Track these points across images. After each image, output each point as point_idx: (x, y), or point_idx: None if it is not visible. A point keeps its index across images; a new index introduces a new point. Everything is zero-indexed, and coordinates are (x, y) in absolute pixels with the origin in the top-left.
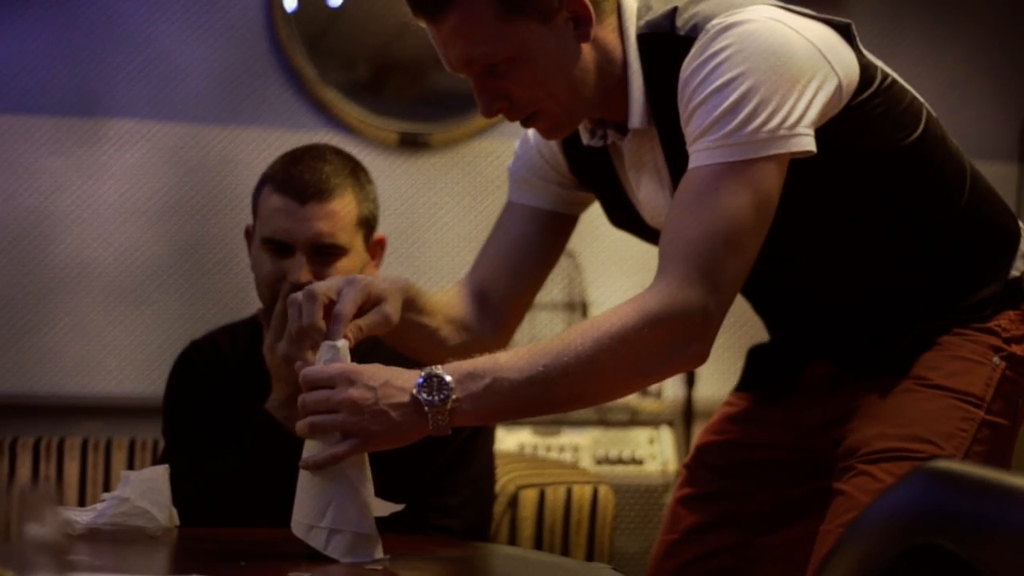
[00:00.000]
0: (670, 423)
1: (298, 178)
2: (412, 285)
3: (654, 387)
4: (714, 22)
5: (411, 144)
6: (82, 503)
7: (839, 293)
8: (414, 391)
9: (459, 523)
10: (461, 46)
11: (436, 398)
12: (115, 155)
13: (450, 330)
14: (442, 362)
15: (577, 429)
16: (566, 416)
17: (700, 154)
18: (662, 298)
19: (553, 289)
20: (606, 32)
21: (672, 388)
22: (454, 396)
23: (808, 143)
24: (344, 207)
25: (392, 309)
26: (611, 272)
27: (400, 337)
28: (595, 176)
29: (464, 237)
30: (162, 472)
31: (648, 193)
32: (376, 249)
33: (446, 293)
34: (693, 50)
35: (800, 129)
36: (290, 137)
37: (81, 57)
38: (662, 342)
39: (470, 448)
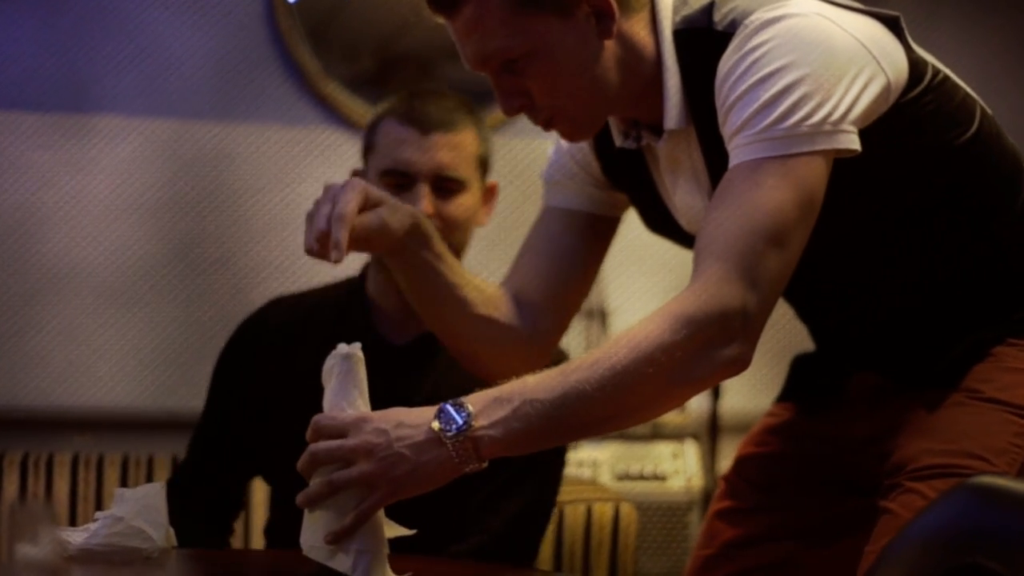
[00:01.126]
0: (695, 437)
1: (421, 109)
2: (425, 219)
3: None
4: (753, 17)
5: None
6: (73, 523)
7: (887, 299)
8: (431, 425)
9: (501, 548)
10: (476, 41)
11: (454, 427)
12: (105, 149)
13: (477, 297)
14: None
15: (596, 443)
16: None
17: (739, 149)
18: (697, 299)
19: None
20: (636, 28)
21: (697, 400)
22: (475, 423)
23: (853, 141)
24: (467, 140)
25: (391, 218)
26: (631, 276)
27: (413, 280)
28: (629, 179)
29: (476, 239)
30: (158, 490)
31: (685, 197)
32: (489, 195)
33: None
34: (731, 46)
35: (844, 126)
36: (290, 132)
37: (69, 46)
38: (701, 346)
39: (527, 471)
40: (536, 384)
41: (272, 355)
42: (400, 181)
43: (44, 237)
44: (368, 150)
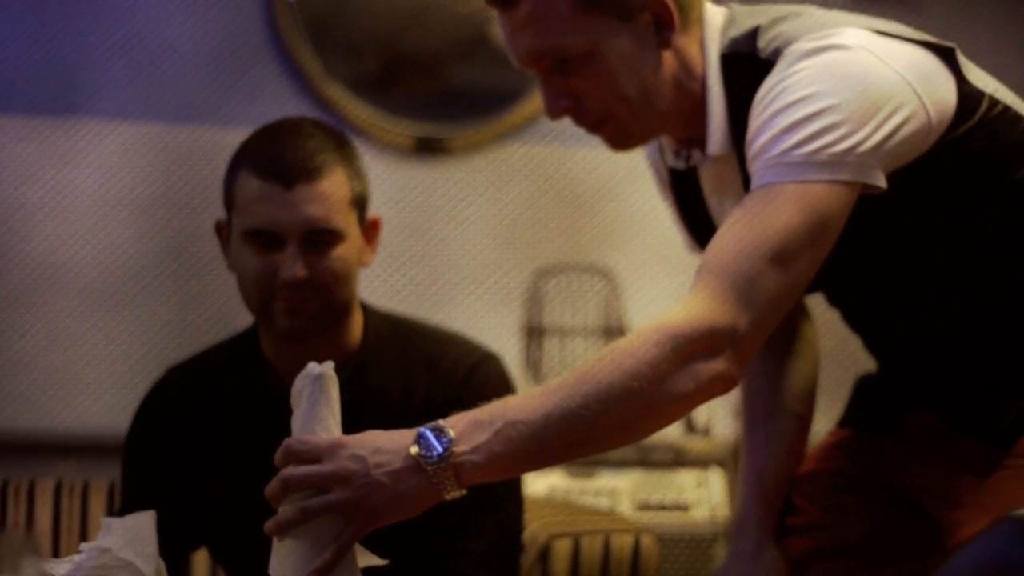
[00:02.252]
0: (720, 464)
1: (280, 158)
2: None
3: (702, 423)
4: (795, 47)
5: (428, 148)
6: (56, 555)
7: (942, 333)
8: (409, 450)
9: (486, 573)
10: (532, 36)
11: (434, 453)
12: (93, 142)
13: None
14: None
15: (615, 470)
16: (603, 456)
17: (757, 174)
18: (686, 314)
19: (587, 312)
20: (689, 43)
21: (722, 424)
22: (456, 448)
23: (879, 178)
24: (336, 186)
25: None
26: (653, 293)
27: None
28: (683, 197)
29: (488, 258)
30: (149, 519)
31: None
32: (371, 232)
33: None
34: (771, 73)
35: (871, 160)
36: None
37: (54, 33)
38: (685, 361)
39: (494, 488)
40: (518, 405)
41: (185, 419)
42: (267, 241)
43: (27, 236)
44: (228, 205)
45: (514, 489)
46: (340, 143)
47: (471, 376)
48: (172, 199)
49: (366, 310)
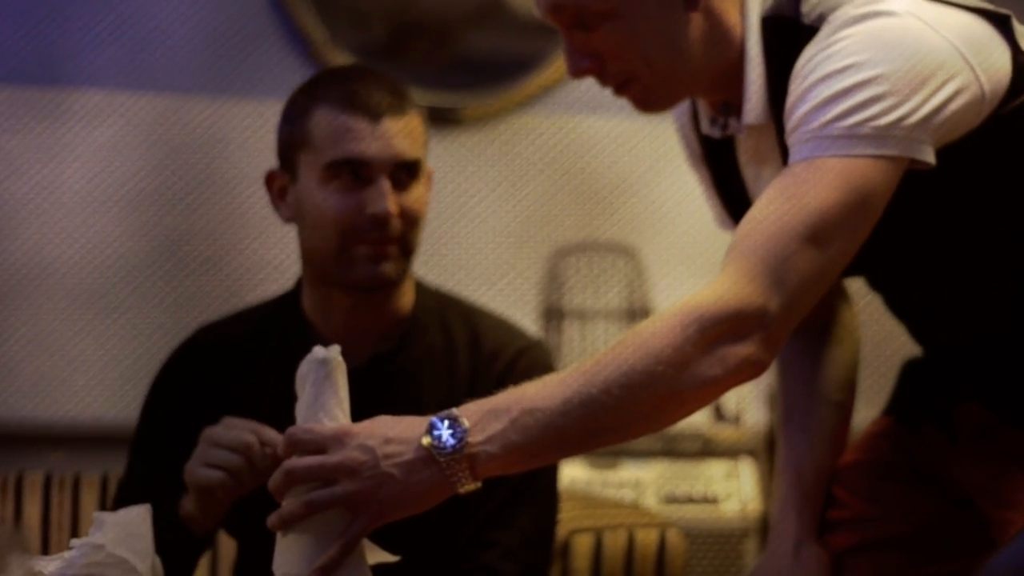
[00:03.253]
0: (751, 454)
1: (364, 93)
2: None
3: (731, 410)
4: (840, 12)
5: (438, 119)
6: (45, 551)
7: (990, 318)
8: (421, 441)
9: (515, 567)
10: None
11: (447, 443)
12: (81, 133)
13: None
14: None
15: (639, 461)
16: (626, 445)
17: (795, 148)
18: (714, 295)
19: (609, 293)
20: (726, 6)
21: (754, 412)
22: (470, 438)
23: (927, 153)
24: (417, 123)
25: None
26: (679, 273)
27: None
28: (717, 166)
29: (501, 231)
30: (144, 513)
31: None
32: (429, 182)
33: None
34: (814, 40)
35: (918, 134)
36: None
37: (39, 18)
38: (712, 344)
39: (529, 478)
40: (535, 392)
41: (212, 386)
42: (353, 174)
43: (11, 233)
44: (296, 145)
45: (550, 479)
46: (405, 89)
47: (515, 362)
48: (166, 194)
49: (415, 281)
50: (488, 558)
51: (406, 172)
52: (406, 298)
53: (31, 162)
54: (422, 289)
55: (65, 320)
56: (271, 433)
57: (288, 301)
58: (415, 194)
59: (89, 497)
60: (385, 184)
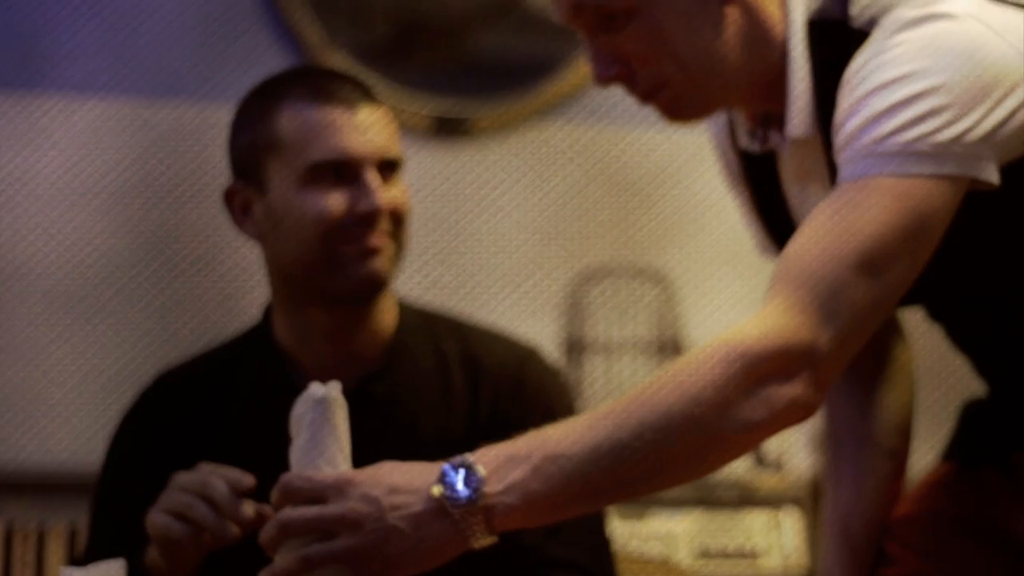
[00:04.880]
0: (795, 503)
1: (334, 85)
2: None
3: (773, 455)
4: (893, 15)
5: (449, 129)
6: None
7: None
8: (431, 491)
9: (583, 552)
10: None
11: (461, 494)
12: (58, 120)
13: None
14: None
15: (671, 511)
16: (657, 495)
17: (845, 166)
18: (758, 330)
19: (638, 324)
20: (766, 2)
21: (798, 457)
22: (487, 488)
23: (989, 171)
24: (389, 114)
25: None
26: (717, 302)
27: None
28: (757, 188)
29: (516, 255)
30: (118, 569)
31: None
32: None
33: None
34: (866, 46)
35: (980, 150)
36: None
37: None
38: (756, 384)
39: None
40: (559, 436)
41: (180, 431)
42: (337, 173)
43: None
44: (262, 151)
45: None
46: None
47: (522, 371)
48: (151, 186)
49: (397, 298)
50: (550, 549)
51: (389, 164)
52: (389, 316)
53: (2, 151)
54: (405, 306)
55: (39, 326)
56: (246, 479)
57: (258, 333)
58: (400, 187)
59: (55, 550)
60: (373, 179)
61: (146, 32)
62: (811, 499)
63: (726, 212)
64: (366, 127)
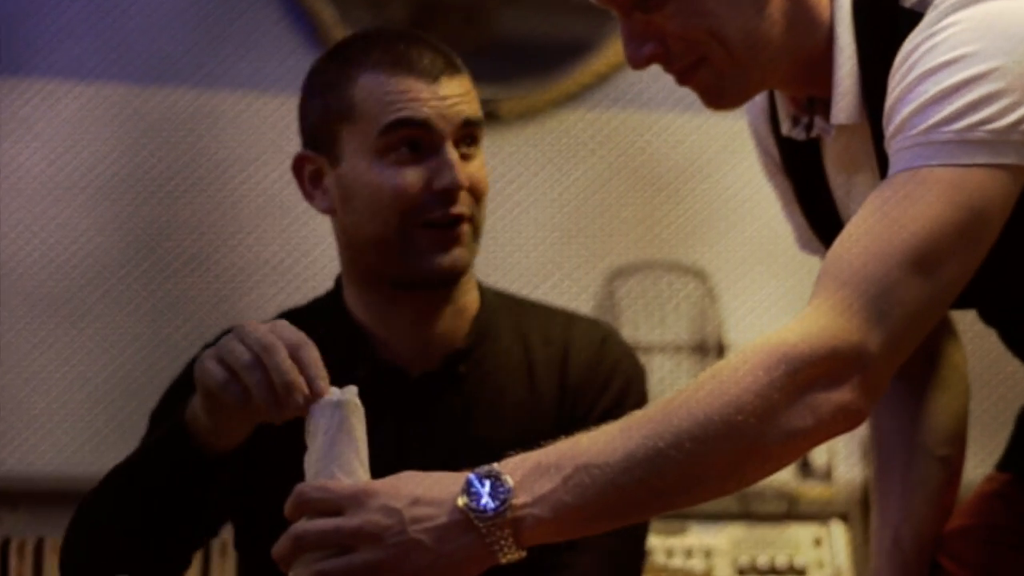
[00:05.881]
0: (843, 516)
1: (415, 54)
2: None
3: (820, 465)
4: None
5: None
6: None
7: None
8: (456, 502)
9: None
10: None
11: (488, 505)
12: (41, 107)
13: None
14: None
15: (711, 525)
16: (696, 507)
17: (896, 155)
18: (804, 331)
19: (677, 325)
20: None
21: (846, 467)
22: (515, 500)
23: None
24: (469, 83)
25: None
26: (749, 302)
27: None
28: (802, 174)
29: (545, 250)
30: None
31: (859, 207)
32: None
33: None
34: (918, 28)
35: None
36: (293, 96)
37: None
38: (802, 390)
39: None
40: (591, 444)
41: None
42: (413, 146)
43: None
44: (337, 119)
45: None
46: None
47: (603, 350)
48: (143, 180)
49: (473, 278)
50: (567, 557)
51: (469, 138)
52: (471, 295)
53: None
54: (484, 287)
55: (21, 331)
56: (313, 359)
57: (330, 307)
58: (479, 162)
59: (54, 564)
60: (452, 152)
61: (136, 13)
62: (860, 511)
63: (761, 205)
64: (445, 96)
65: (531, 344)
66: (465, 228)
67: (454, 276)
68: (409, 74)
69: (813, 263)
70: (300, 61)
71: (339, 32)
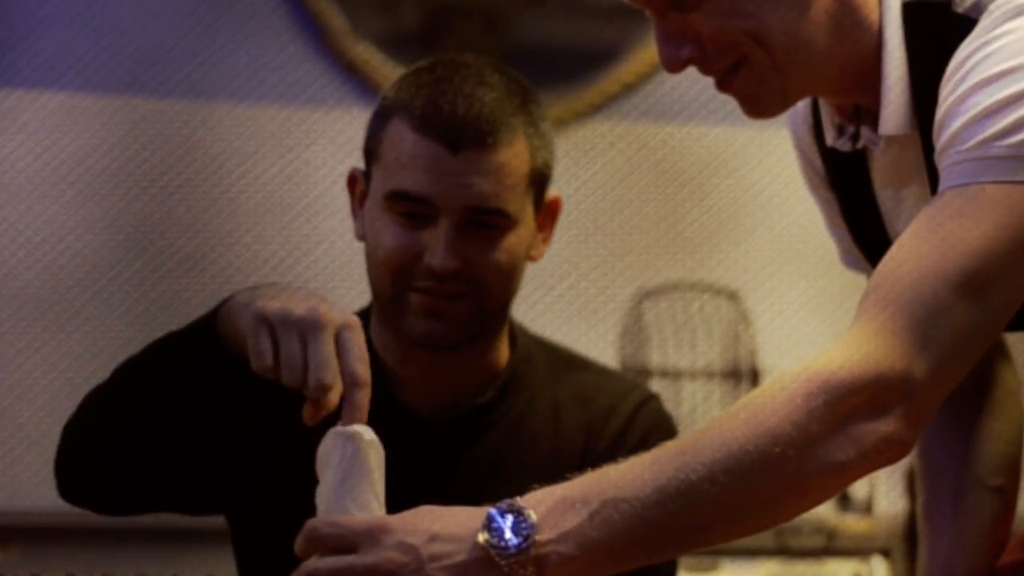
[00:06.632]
0: (885, 552)
1: (447, 112)
2: None
3: (860, 497)
4: (1001, 0)
5: None
6: None
7: None
8: (477, 538)
9: None
10: None
11: (510, 542)
12: (26, 100)
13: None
14: None
15: (744, 562)
16: (729, 543)
17: (947, 170)
18: (846, 357)
19: (710, 348)
20: None
21: (889, 499)
22: (539, 536)
23: None
24: (515, 157)
25: None
26: (774, 308)
27: None
28: (844, 193)
29: (570, 268)
30: None
31: (910, 223)
32: (548, 216)
33: None
34: (971, 35)
35: None
36: (293, 86)
37: None
38: (843, 420)
39: None
40: (620, 477)
41: (255, 411)
42: (413, 212)
43: None
44: (371, 154)
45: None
46: (526, 99)
47: (636, 415)
48: (134, 175)
49: (513, 325)
50: None
51: (486, 218)
52: (499, 351)
53: None
54: (522, 335)
55: (6, 335)
56: (356, 337)
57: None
58: (501, 244)
59: None
60: (447, 231)
61: (126, 2)
62: (903, 546)
63: (787, 207)
64: (461, 171)
65: (561, 403)
66: (455, 306)
67: (436, 346)
68: (429, 135)
69: (842, 270)
70: (300, 50)
71: (349, 41)
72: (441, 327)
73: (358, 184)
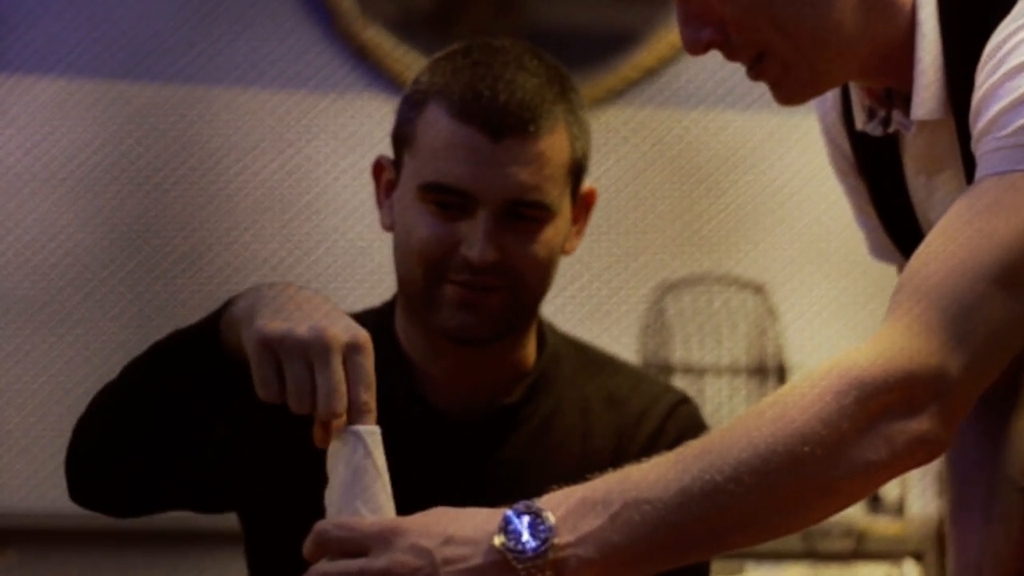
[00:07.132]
0: (917, 556)
1: (488, 98)
2: None
3: (891, 499)
4: None
5: None
6: None
7: None
8: (493, 541)
9: None
10: None
11: (527, 545)
12: (15, 91)
13: None
14: None
15: (771, 566)
16: (754, 546)
17: (984, 157)
18: (878, 353)
19: (735, 344)
20: None
21: (920, 500)
22: (557, 539)
23: None
24: (556, 147)
25: None
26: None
27: None
28: (874, 180)
29: (589, 261)
30: None
31: (942, 212)
32: (583, 208)
33: None
34: (1009, 16)
35: None
36: (294, 78)
37: None
38: (875, 418)
39: None
40: (642, 478)
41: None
42: (450, 204)
43: None
44: (403, 141)
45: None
46: (565, 86)
47: (667, 421)
48: (128, 171)
49: (541, 323)
50: None
51: (526, 210)
52: (528, 349)
53: None
54: (551, 333)
55: None
56: (364, 362)
57: (378, 324)
58: (540, 236)
59: None
60: (486, 222)
61: None
62: (935, 549)
63: (810, 201)
64: (501, 160)
65: (591, 406)
66: (490, 299)
67: (470, 340)
68: (470, 123)
69: (869, 264)
70: (300, 40)
71: (359, 24)
72: (475, 320)
73: (385, 172)
